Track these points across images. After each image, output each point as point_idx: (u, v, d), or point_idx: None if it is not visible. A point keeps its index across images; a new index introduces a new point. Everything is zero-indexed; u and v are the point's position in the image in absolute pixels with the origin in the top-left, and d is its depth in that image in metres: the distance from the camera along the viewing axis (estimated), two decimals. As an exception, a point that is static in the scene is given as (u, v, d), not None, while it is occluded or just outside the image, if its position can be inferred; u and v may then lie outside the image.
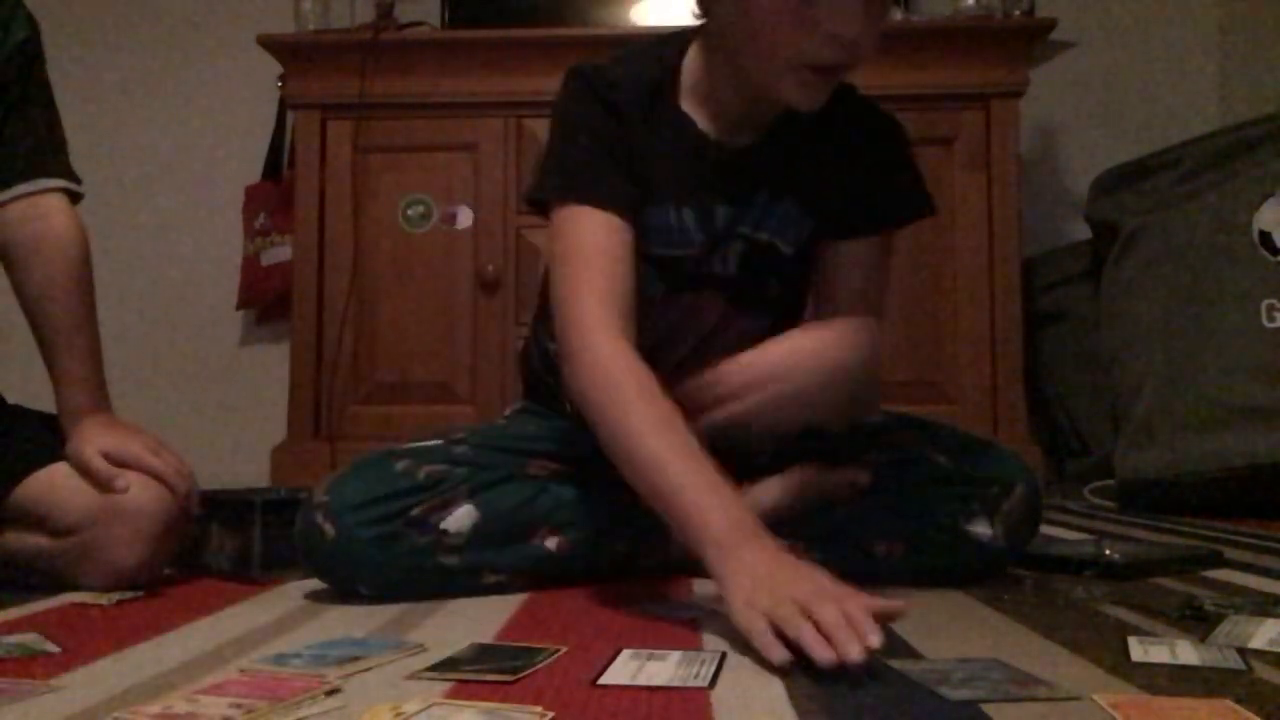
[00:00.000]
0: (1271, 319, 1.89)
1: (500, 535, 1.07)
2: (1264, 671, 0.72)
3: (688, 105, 1.07)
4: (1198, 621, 0.88)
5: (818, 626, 0.73)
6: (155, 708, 0.62)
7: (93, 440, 1.10)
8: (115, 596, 1.04)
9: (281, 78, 2.60)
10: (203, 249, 2.84)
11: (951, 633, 0.86)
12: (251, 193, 2.76)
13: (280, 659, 0.75)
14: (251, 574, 1.14)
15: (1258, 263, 1.92)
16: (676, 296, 1.09)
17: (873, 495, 1.13)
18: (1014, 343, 2.33)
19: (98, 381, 1.16)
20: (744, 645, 0.78)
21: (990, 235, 2.36)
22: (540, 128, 1.12)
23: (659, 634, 0.86)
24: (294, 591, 1.08)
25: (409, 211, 2.44)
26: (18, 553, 1.13)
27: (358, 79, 2.40)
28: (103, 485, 1.08)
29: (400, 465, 1.06)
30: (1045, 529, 1.47)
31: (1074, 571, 1.14)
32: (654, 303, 1.06)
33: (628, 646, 0.79)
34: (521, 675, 0.71)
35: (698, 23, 1.05)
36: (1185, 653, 0.76)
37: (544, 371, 1.21)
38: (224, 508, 1.19)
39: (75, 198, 1.21)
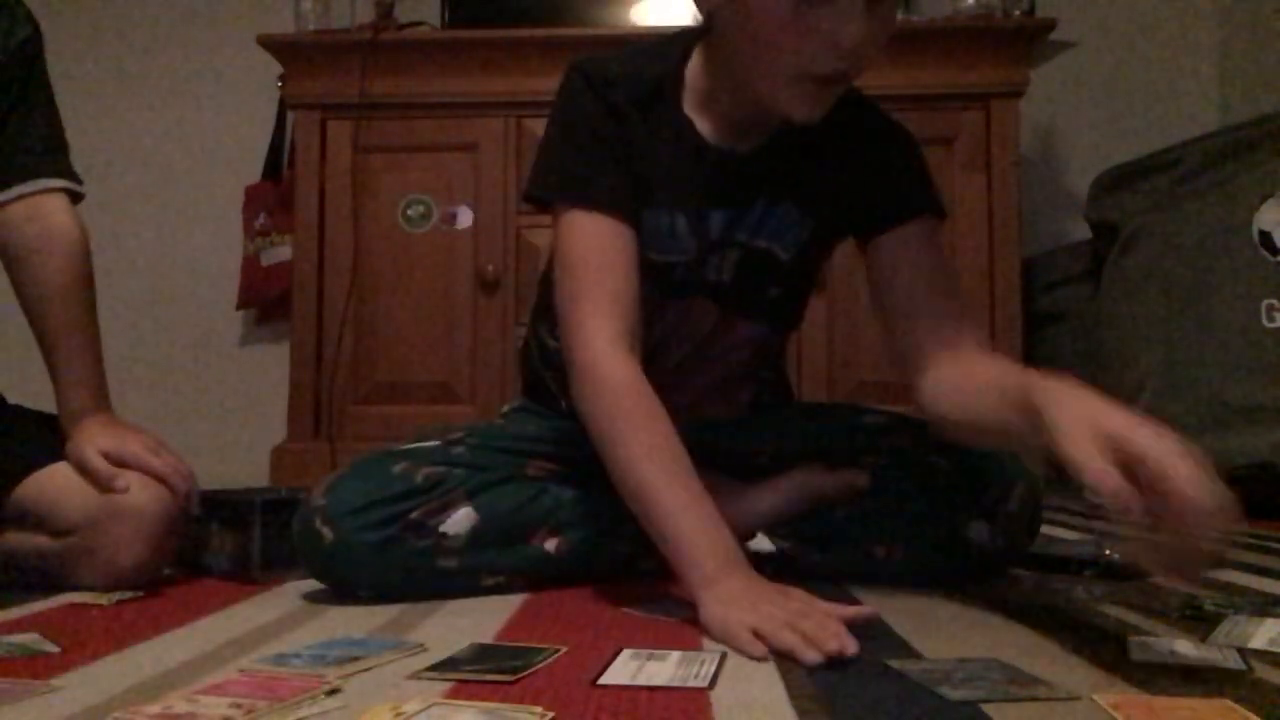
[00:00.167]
0: (1271, 319, 1.89)
1: (499, 537, 1.07)
2: (1264, 671, 0.72)
3: (689, 108, 1.05)
4: (1198, 621, 0.88)
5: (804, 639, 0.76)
6: (155, 708, 0.62)
7: (93, 440, 1.10)
8: (115, 596, 1.04)
9: (281, 78, 2.60)
10: (203, 249, 2.84)
11: (951, 633, 0.86)
12: (251, 193, 2.76)
13: (280, 659, 0.75)
14: (251, 574, 1.14)
15: (1258, 263, 1.92)
16: (669, 303, 1.07)
17: (872, 497, 1.13)
18: (1014, 343, 2.33)
19: (98, 381, 1.16)
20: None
21: (990, 235, 2.36)
22: (540, 128, 1.11)
23: (659, 634, 0.86)
24: (294, 591, 1.08)
25: (409, 211, 2.44)
26: (18, 553, 1.13)
27: (358, 79, 2.40)
28: (103, 485, 1.08)
29: (398, 467, 1.06)
30: (1045, 529, 1.47)
31: (1074, 571, 1.14)
32: (650, 309, 1.06)
33: (628, 646, 0.79)
34: (521, 675, 0.71)
35: (702, 25, 1.04)
36: (1185, 653, 0.76)
37: (543, 368, 1.20)
38: (224, 508, 1.19)
39: (76, 198, 1.21)
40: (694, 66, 1.05)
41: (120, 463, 1.09)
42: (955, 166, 2.36)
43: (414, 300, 2.42)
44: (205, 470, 1.26)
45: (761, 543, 1.15)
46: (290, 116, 2.60)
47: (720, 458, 1.13)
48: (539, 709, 0.62)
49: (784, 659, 0.75)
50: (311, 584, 1.09)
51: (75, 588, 1.08)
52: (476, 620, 0.93)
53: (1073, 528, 1.66)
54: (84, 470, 1.09)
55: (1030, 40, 2.40)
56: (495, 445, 1.14)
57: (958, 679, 0.69)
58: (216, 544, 1.19)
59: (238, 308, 2.79)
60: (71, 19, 2.79)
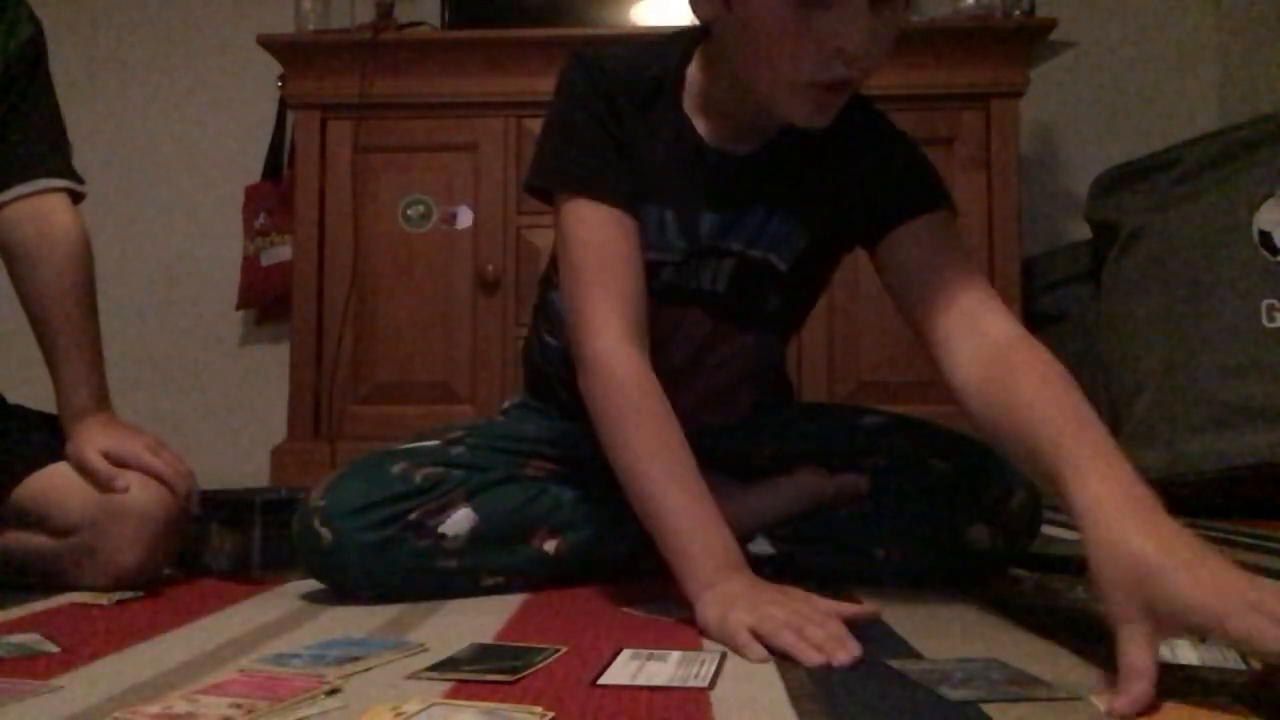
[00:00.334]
0: (1271, 319, 1.89)
1: (499, 538, 1.07)
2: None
3: (689, 108, 1.03)
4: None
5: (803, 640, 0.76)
6: (155, 708, 0.62)
7: (93, 440, 1.10)
8: (115, 596, 1.04)
9: (281, 78, 2.60)
10: (203, 249, 2.84)
11: (951, 633, 0.86)
12: (251, 193, 2.76)
13: (280, 659, 0.75)
14: (251, 574, 1.14)
15: (1258, 263, 1.92)
16: (660, 309, 1.03)
17: (871, 500, 1.12)
18: (1014, 343, 2.32)
19: (98, 381, 1.16)
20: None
21: (990, 235, 2.36)
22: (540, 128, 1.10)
23: (659, 634, 0.86)
24: (294, 591, 1.08)
25: (409, 211, 2.44)
26: (18, 553, 1.13)
27: (358, 79, 2.40)
28: (103, 485, 1.08)
29: (397, 468, 1.06)
30: (1045, 529, 1.47)
31: (1074, 571, 1.14)
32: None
33: (628, 646, 0.79)
34: (521, 675, 0.71)
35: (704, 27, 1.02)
36: (1185, 653, 0.76)
37: (544, 365, 1.20)
38: (224, 508, 1.19)
39: (77, 197, 1.21)
40: (695, 67, 1.04)
41: (120, 463, 1.09)
42: (955, 166, 2.36)
43: (414, 300, 2.42)
44: (205, 470, 1.26)
45: (761, 544, 1.15)
46: (290, 116, 2.60)
47: (720, 458, 1.13)
48: (539, 709, 0.62)
49: (784, 659, 0.75)
50: (311, 584, 1.09)
51: (75, 588, 1.08)
52: (476, 620, 0.93)
53: (1073, 528, 1.66)
54: (84, 470, 1.09)
55: (1030, 40, 2.40)
56: (495, 445, 1.14)
57: (958, 679, 0.69)
58: (216, 544, 1.19)
59: (238, 308, 2.79)
60: (72, 19, 2.79)
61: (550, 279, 1.17)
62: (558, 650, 0.78)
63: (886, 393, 2.28)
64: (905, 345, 2.29)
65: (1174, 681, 0.69)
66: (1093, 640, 0.81)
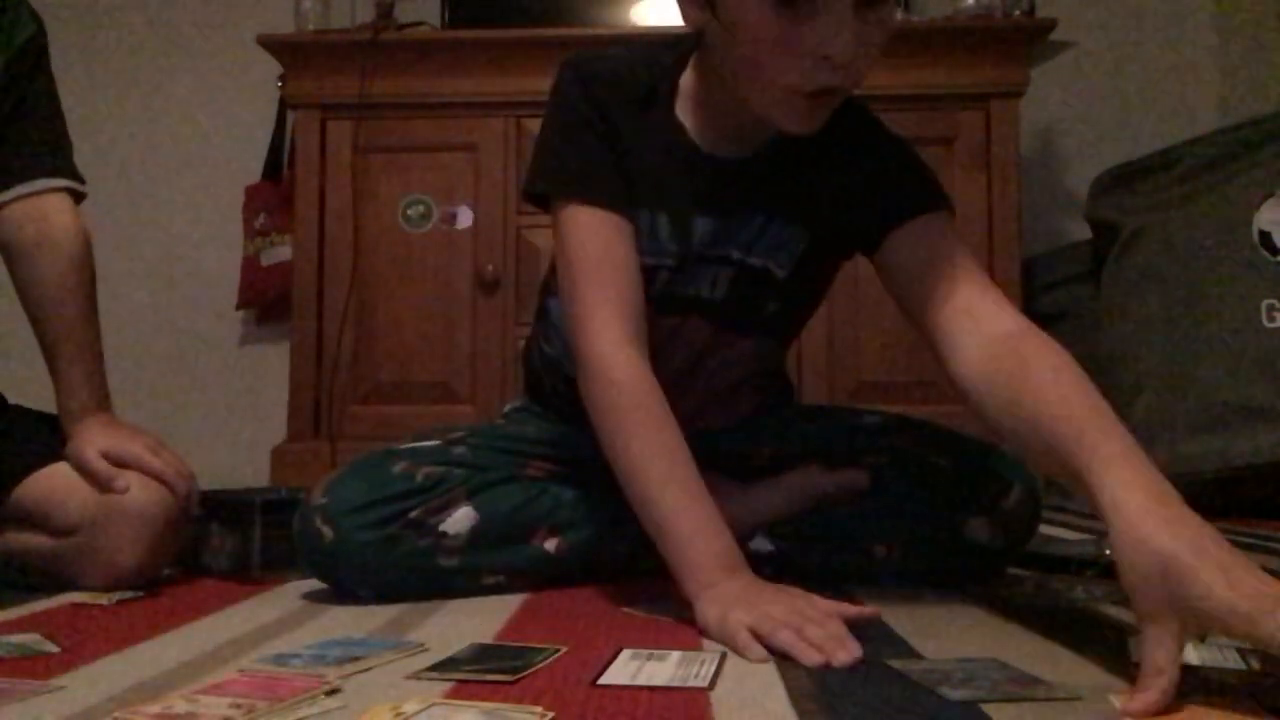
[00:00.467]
0: (1271, 319, 1.89)
1: (499, 537, 1.07)
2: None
3: (683, 113, 1.03)
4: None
5: (803, 639, 0.76)
6: (155, 708, 0.62)
7: (93, 440, 1.10)
8: (115, 596, 1.04)
9: (281, 78, 2.60)
10: (203, 249, 2.84)
11: (951, 633, 0.86)
12: (251, 193, 2.75)
13: (280, 659, 0.75)
14: (251, 574, 1.14)
15: (1258, 263, 1.92)
16: (660, 319, 1.03)
17: (871, 497, 1.13)
18: (1014, 343, 2.32)
19: (99, 382, 1.16)
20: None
21: (990, 235, 2.36)
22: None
23: (659, 634, 0.86)
24: (294, 591, 1.08)
25: (409, 211, 2.44)
26: (18, 553, 1.13)
27: (358, 79, 2.40)
28: (103, 485, 1.08)
29: (398, 467, 1.06)
30: (1045, 529, 1.47)
31: (1074, 571, 1.14)
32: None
33: (628, 646, 0.79)
34: (521, 675, 0.71)
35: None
36: (1185, 653, 0.76)
37: (544, 372, 1.20)
38: (224, 508, 1.19)
39: (78, 197, 1.21)
40: (689, 73, 1.03)
41: (120, 463, 1.09)
42: (955, 166, 2.36)
43: (414, 300, 2.42)
44: (205, 470, 1.26)
45: (761, 543, 1.15)
46: (290, 116, 2.60)
47: (720, 459, 1.13)
48: (539, 709, 0.62)
49: (784, 659, 0.75)
50: (311, 584, 1.09)
51: (75, 588, 1.08)
52: (476, 620, 0.93)
53: (1073, 528, 1.66)
54: (84, 470, 1.09)
55: (1030, 40, 2.40)
56: (495, 445, 1.14)
57: (958, 679, 0.69)
58: (216, 544, 1.19)
59: (238, 308, 2.79)
60: (71, 19, 2.79)
61: (549, 286, 1.17)
62: (558, 650, 0.78)
63: (886, 393, 2.28)
64: (905, 345, 2.29)
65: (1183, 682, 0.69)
66: (1093, 640, 0.81)
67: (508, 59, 2.41)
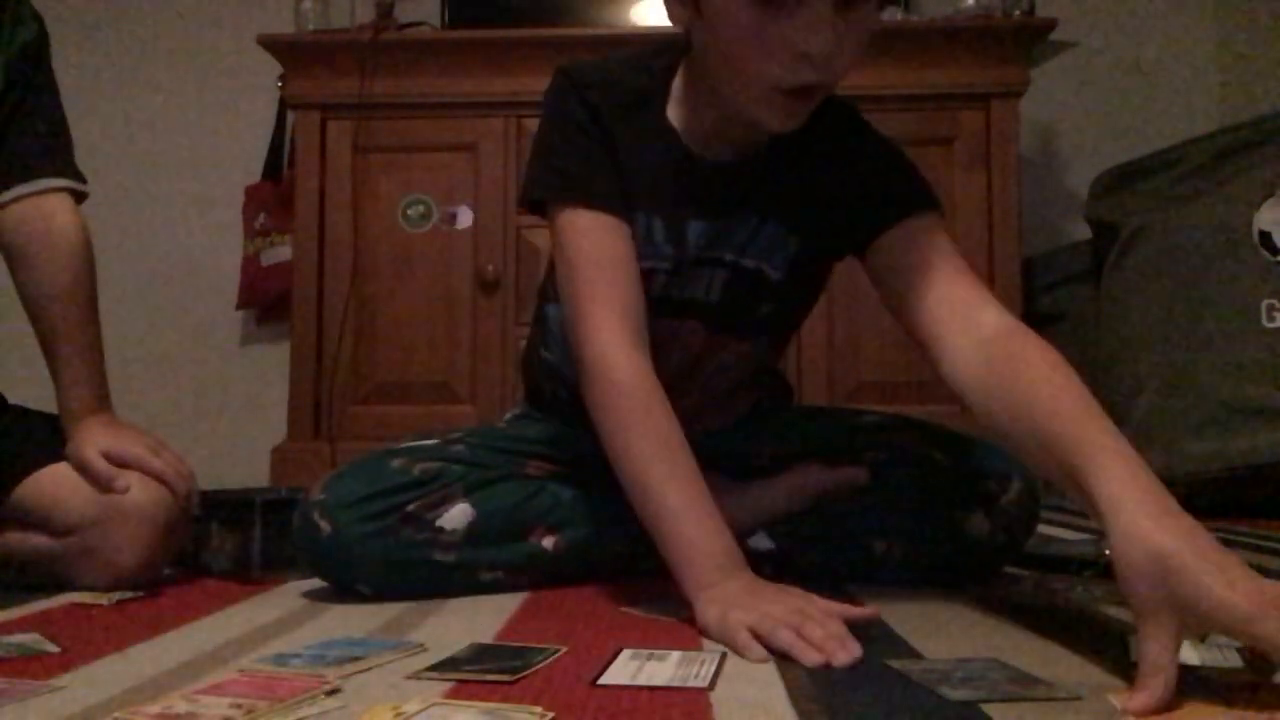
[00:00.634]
0: (1271, 319, 1.89)
1: (496, 533, 1.07)
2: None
3: (675, 117, 1.03)
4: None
5: (802, 639, 0.76)
6: (155, 708, 0.62)
7: (93, 440, 1.10)
8: (115, 596, 1.04)
9: (281, 78, 2.60)
10: (203, 249, 2.84)
11: (951, 633, 0.86)
12: (251, 193, 2.76)
13: (280, 659, 0.75)
14: (251, 574, 1.14)
15: (1258, 263, 1.92)
16: (656, 322, 1.02)
17: (870, 493, 1.13)
18: (1014, 343, 2.32)
19: (99, 382, 1.16)
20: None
21: (990, 235, 2.36)
22: (540, 128, 1.10)
23: (659, 634, 0.86)
24: (294, 591, 1.09)
25: (409, 211, 2.44)
26: (18, 553, 1.13)
27: (358, 79, 2.40)
28: (103, 485, 1.08)
29: (396, 463, 1.07)
30: (1044, 529, 1.47)
31: (1074, 571, 1.14)
32: None
33: (628, 646, 0.79)
34: (521, 675, 0.71)
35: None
36: (1185, 653, 0.75)
37: (544, 379, 1.21)
38: (224, 508, 1.19)
39: (80, 197, 1.21)
40: (680, 77, 1.04)
41: (120, 463, 1.09)
42: (955, 166, 2.36)
43: (414, 300, 2.42)
44: (205, 470, 1.26)
45: (760, 541, 1.15)
46: (290, 116, 2.60)
47: (720, 459, 1.13)
48: (539, 709, 0.62)
49: (784, 659, 0.75)
50: (311, 583, 1.09)
51: (75, 588, 1.08)
52: (476, 620, 0.93)
53: (1073, 528, 1.66)
54: (84, 470, 1.09)
55: (1030, 40, 2.40)
56: (494, 445, 1.14)
57: (958, 679, 0.69)
58: (216, 544, 1.19)
59: (238, 308, 2.79)
60: (72, 18, 2.79)
61: (546, 292, 1.18)
62: (558, 650, 0.78)
63: (886, 393, 2.28)
64: (905, 345, 2.27)
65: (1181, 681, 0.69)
66: (1093, 640, 0.81)
67: (508, 59, 2.41)
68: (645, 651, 0.77)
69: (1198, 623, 0.64)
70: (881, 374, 2.33)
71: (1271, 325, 1.89)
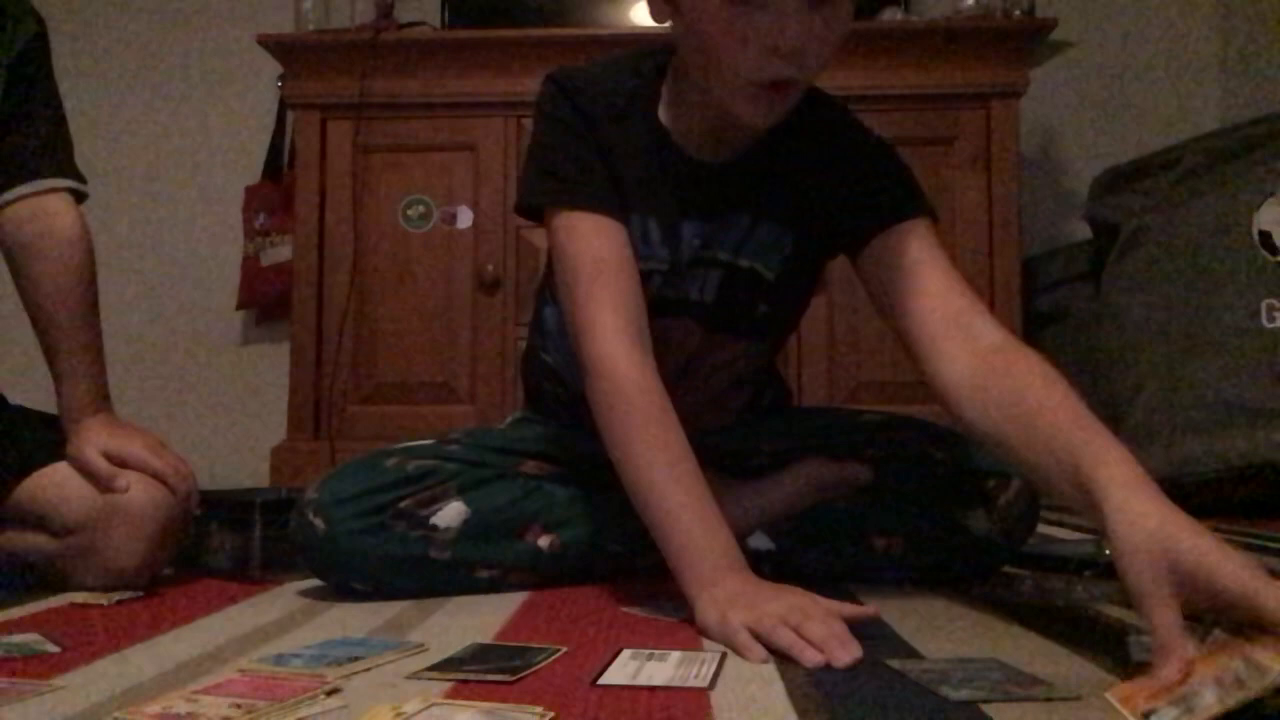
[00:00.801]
0: (1271, 319, 1.89)
1: (490, 531, 1.07)
2: (1264, 671, 0.72)
3: (666, 119, 1.04)
4: (1197, 621, 0.88)
5: (802, 638, 0.76)
6: (155, 708, 0.62)
7: (94, 440, 1.10)
8: (115, 596, 1.04)
9: (281, 78, 2.60)
10: (203, 249, 2.84)
11: (951, 633, 0.86)
12: (251, 193, 2.76)
13: (280, 659, 0.75)
14: (251, 574, 1.14)
15: (1258, 263, 1.92)
16: (652, 321, 1.02)
17: (871, 491, 1.13)
18: (1014, 343, 2.32)
19: (99, 382, 1.16)
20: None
21: (990, 235, 2.36)
22: (539, 128, 1.10)
23: (659, 634, 0.86)
24: (294, 591, 1.09)
25: (409, 211, 2.44)
26: (18, 553, 1.13)
27: (358, 79, 2.40)
28: (103, 485, 1.08)
29: (390, 461, 1.07)
30: (1044, 529, 1.47)
31: (1074, 571, 1.14)
32: None
33: (628, 646, 0.79)
34: (521, 675, 0.71)
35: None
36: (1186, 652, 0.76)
37: (545, 381, 1.21)
38: (224, 508, 1.19)
39: (80, 197, 1.21)
40: (669, 79, 1.05)
41: (121, 463, 1.09)
42: (955, 166, 2.36)
43: (414, 300, 2.42)
44: (205, 470, 1.26)
45: (760, 540, 1.15)
46: (290, 116, 2.60)
47: (720, 457, 1.13)
48: (539, 709, 0.62)
49: (784, 659, 0.75)
50: (311, 583, 1.09)
51: (75, 588, 1.08)
52: (476, 620, 0.93)
53: (1073, 528, 1.66)
54: (84, 470, 1.09)
55: (1030, 40, 2.40)
56: (490, 445, 1.14)
57: (958, 679, 0.69)
58: (216, 544, 1.19)
59: (238, 308, 2.79)
60: (72, 18, 2.79)
61: (545, 295, 1.18)
62: (558, 650, 0.78)
63: (886, 393, 2.28)
64: (904, 346, 2.28)
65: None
66: (1093, 640, 0.81)
67: (508, 59, 2.41)
68: (645, 651, 0.77)
69: (1202, 598, 0.64)
70: (881, 374, 2.33)
71: (1271, 325, 1.89)
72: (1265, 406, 1.85)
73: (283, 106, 2.69)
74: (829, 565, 1.12)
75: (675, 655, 0.76)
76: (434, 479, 1.07)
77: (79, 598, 1.04)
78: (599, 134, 1.02)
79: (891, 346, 2.31)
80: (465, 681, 0.70)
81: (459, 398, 2.40)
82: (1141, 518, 0.68)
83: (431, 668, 0.73)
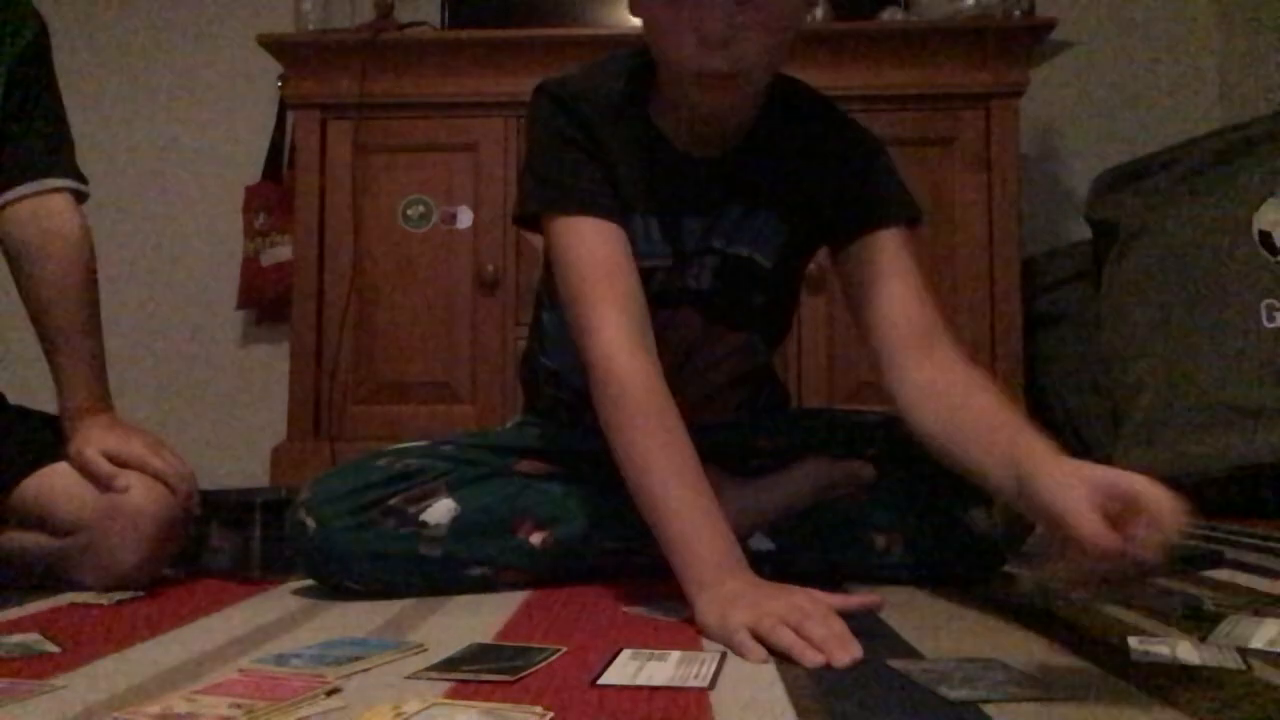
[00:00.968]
0: (1271, 319, 1.89)
1: (481, 528, 1.08)
2: (1264, 671, 0.72)
3: (657, 118, 1.06)
4: (1198, 621, 0.88)
5: (803, 638, 0.76)
6: (155, 708, 0.62)
7: (94, 440, 1.10)
8: (115, 596, 1.04)
9: (281, 78, 2.60)
10: (203, 249, 2.84)
11: (951, 633, 0.86)
12: (251, 193, 2.76)
13: (280, 659, 0.75)
14: (251, 574, 1.14)
15: (1258, 263, 1.92)
16: (653, 313, 1.04)
17: (872, 489, 1.13)
18: (1014, 343, 2.33)
19: (100, 382, 1.16)
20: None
21: (990, 235, 2.35)
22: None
23: (659, 634, 0.86)
24: (294, 591, 1.09)
25: (409, 211, 2.44)
26: (17, 552, 1.13)
27: (358, 79, 2.40)
28: (103, 485, 1.08)
29: (382, 461, 1.09)
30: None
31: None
32: None
33: (628, 646, 0.79)
34: (521, 675, 0.71)
35: None
36: (1185, 653, 0.76)
37: (546, 384, 1.21)
38: (224, 508, 1.19)
39: (81, 197, 1.21)
40: (658, 78, 1.06)
41: (121, 463, 1.09)
42: (955, 166, 2.36)
43: (414, 300, 2.42)
44: (205, 470, 1.26)
45: (760, 541, 1.15)
46: (290, 116, 2.60)
47: (721, 453, 1.14)
48: (539, 709, 0.62)
49: (785, 659, 0.75)
50: (311, 583, 1.09)
51: (75, 588, 1.08)
52: (476, 620, 0.93)
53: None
54: (85, 470, 1.09)
55: (1030, 40, 2.40)
56: (486, 444, 1.15)
57: (958, 679, 0.69)
58: (216, 544, 1.19)
59: (238, 308, 2.79)
60: (72, 19, 2.79)
61: (543, 300, 1.19)
62: (558, 650, 0.78)
63: (886, 393, 2.28)
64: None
65: (1173, 680, 0.69)
66: (1093, 640, 0.81)
67: (508, 59, 2.41)
68: (645, 651, 0.77)
69: (1109, 493, 0.72)
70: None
71: (1271, 325, 1.89)
72: (1265, 406, 1.85)
73: (283, 106, 2.69)
74: (829, 565, 1.12)
75: (675, 655, 0.76)
76: (424, 476, 1.08)
77: (79, 598, 1.04)
78: (595, 138, 1.04)
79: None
80: (465, 681, 0.70)
81: (459, 398, 2.40)
82: (1062, 465, 0.77)
83: (431, 668, 0.73)
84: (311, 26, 2.51)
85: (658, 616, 0.92)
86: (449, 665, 0.74)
